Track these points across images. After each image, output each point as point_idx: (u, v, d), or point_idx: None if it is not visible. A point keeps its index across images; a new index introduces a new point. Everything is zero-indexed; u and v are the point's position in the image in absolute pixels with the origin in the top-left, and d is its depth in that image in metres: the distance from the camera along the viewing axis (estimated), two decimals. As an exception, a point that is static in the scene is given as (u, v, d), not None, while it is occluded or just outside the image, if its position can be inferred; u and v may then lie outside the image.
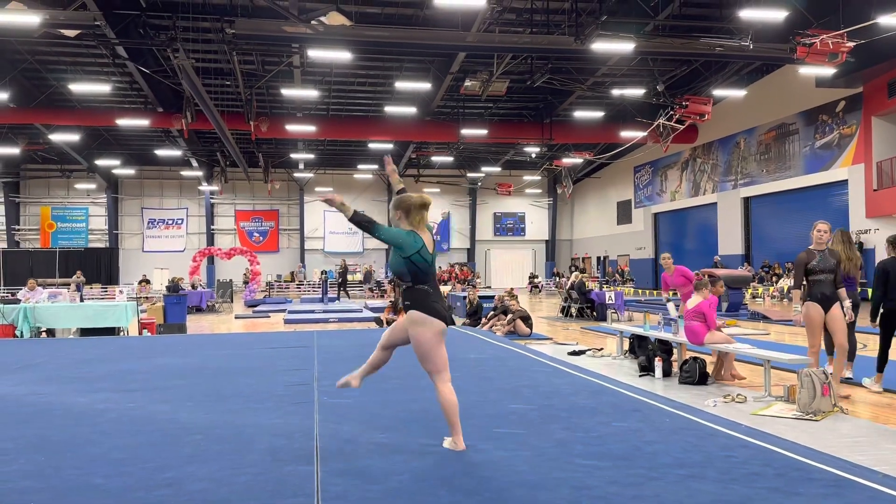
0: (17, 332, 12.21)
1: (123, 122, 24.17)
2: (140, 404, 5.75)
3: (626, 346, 9.15)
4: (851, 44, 15.57)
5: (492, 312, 13.77)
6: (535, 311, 18.34)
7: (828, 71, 18.69)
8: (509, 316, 12.86)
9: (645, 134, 24.26)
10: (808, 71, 19.49)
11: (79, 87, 21.69)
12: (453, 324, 4.16)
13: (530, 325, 12.74)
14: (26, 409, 5.61)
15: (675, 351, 8.03)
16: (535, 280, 35.24)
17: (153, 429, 4.87)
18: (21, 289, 15.31)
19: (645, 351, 8.04)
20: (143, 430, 4.84)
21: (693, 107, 21.48)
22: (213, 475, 3.76)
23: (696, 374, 7.09)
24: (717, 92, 23.19)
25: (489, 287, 36.06)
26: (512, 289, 15.86)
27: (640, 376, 7.64)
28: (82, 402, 5.84)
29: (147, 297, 20.08)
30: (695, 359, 7.26)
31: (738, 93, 23.45)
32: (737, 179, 27.39)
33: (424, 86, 22.23)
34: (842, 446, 4.63)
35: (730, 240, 27.60)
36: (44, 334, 12.72)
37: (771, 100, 24.64)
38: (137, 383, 6.87)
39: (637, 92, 23.00)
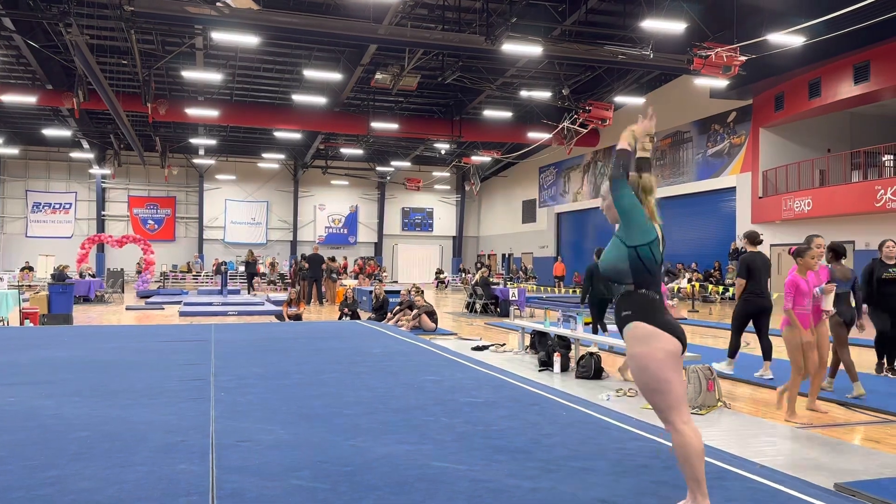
0: None
1: (8, 98, 22.51)
2: (21, 399, 5.40)
3: (528, 341, 9.39)
4: (744, 58, 16.58)
5: (398, 307, 13.78)
6: (441, 307, 18.49)
7: (721, 83, 19.82)
8: (415, 311, 12.90)
9: (550, 136, 24.93)
10: (704, 82, 20.58)
11: (-45, 57, 20.08)
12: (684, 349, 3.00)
13: (435, 321, 12.83)
14: None
15: (572, 346, 8.31)
16: (442, 276, 35.51)
17: (35, 425, 4.59)
18: None
19: (545, 346, 8.28)
20: (24, 426, 4.56)
21: (595, 112, 22.25)
22: (100, 473, 3.58)
23: (591, 369, 7.37)
24: (619, 98, 24.13)
25: (396, 282, 36.06)
26: (417, 284, 15.92)
27: (539, 371, 7.86)
28: (-47, 398, 5.41)
29: (30, 286, 18.82)
30: (591, 354, 7.54)
31: (637, 100, 24.47)
32: (635, 183, 28.59)
33: (334, 76, 21.93)
34: (724, 439, 4.93)
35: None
36: None
37: (668, 108, 25.86)
38: (18, 377, 6.45)
39: (544, 94, 23.58)
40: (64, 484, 3.41)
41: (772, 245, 20.96)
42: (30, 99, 22.82)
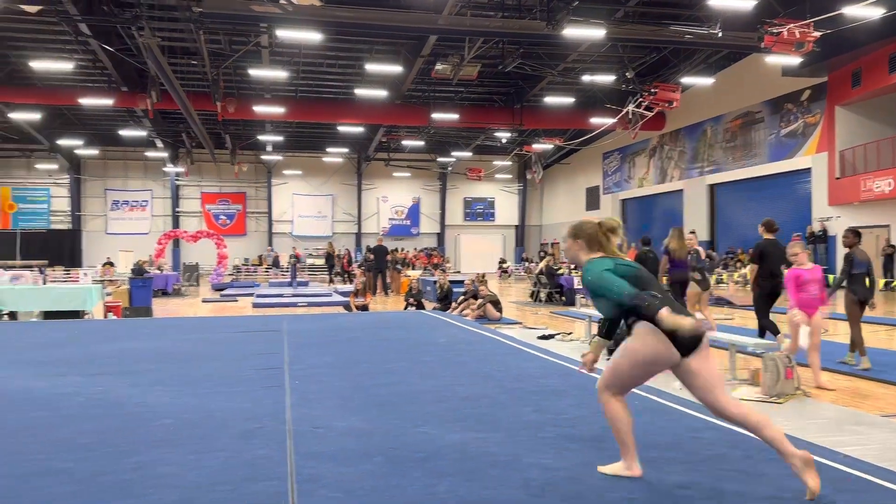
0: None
1: (86, 101, 23.56)
2: (107, 388, 5.65)
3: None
4: (818, 34, 15.82)
5: (462, 297, 13.80)
6: (505, 296, 18.43)
7: (794, 60, 18.99)
8: (479, 300, 12.90)
9: (614, 121, 24.44)
10: (775, 60, 19.77)
11: (40, 65, 21.07)
12: (696, 345, 3.17)
13: (500, 310, 12.80)
14: (-13, 394, 5.47)
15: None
16: (505, 265, 35.41)
17: (120, 413, 4.79)
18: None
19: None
20: (110, 414, 4.76)
21: (662, 94, 21.67)
22: (182, 459, 3.72)
23: (663, 358, 7.19)
24: (686, 79, 23.43)
25: (458, 272, 36.15)
26: (483, 273, 15.91)
27: (607, 360, 7.72)
28: (46, 386, 5.71)
29: (111, 280, 19.68)
30: (662, 342, 7.36)
31: (705, 81, 23.71)
32: (703, 166, 27.76)
33: (395, 68, 22.05)
34: (805, 428, 4.74)
35: (695, 226, 28.02)
36: (6, 317, 12.41)
37: (738, 88, 24.97)
38: (104, 367, 6.75)
39: (607, 78, 23.12)
40: (148, 469, 3.56)
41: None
42: (107, 101, 23.80)
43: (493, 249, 40.90)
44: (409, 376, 6.20)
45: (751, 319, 12.86)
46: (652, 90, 21.77)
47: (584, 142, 29.62)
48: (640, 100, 22.25)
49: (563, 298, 16.03)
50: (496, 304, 12.83)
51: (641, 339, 3.21)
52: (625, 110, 23.19)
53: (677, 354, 3.14)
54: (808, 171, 22.68)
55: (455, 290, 15.09)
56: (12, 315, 12.50)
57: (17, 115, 26.19)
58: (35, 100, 24.76)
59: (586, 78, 23.17)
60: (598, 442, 4.01)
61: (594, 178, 36.46)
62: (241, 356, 7.46)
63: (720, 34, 17.06)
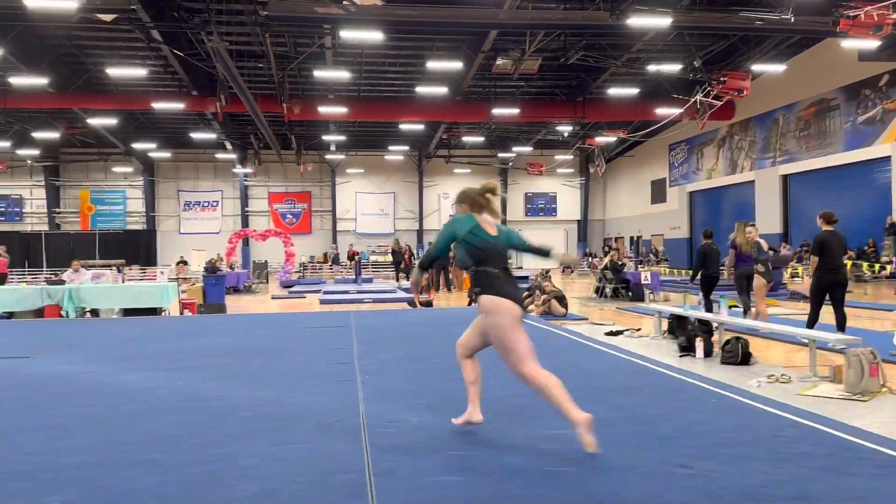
0: (63, 313, 12.53)
1: (159, 105, 24.46)
2: (187, 382, 5.87)
3: (665, 326, 9.07)
4: (897, 15, 15.04)
5: (526, 292, 13.73)
6: (568, 292, 18.22)
7: (871, 44, 18.08)
8: (544, 296, 12.81)
9: (681, 111, 23.82)
10: (851, 44, 18.89)
11: (115, 72, 21.98)
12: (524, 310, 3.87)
13: (565, 306, 12.68)
14: (77, 387, 5.77)
15: (715, 331, 7.93)
16: (568, 260, 34.95)
17: (202, 406, 4.97)
18: (63, 270, 15.69)
19: (685, 331, 7.96)
20: (193, 407, 4.95)
21: (731, 82, 20.99)
22: (264, 451, 3.83)
23: (738, 354, 7.00)
24: (756, 67, 22.62)
25: (520, 267, 35.97)
26: (546, 269, 15.80)
27: (680, 356, 7.57)
28: (131, 380, 5.98)
29: (185, 279, 20.40)
30: (737, 338, 7.16)
31: (777, 67, 22.82)
32: (775, 156, 26.79)
33: (455, 65, 22.06)
34: (892, 427, 4.54)
35: (768, 218, 27.08)
36: (88, 314, 13.03)
37: (811, 74, 23.98)
38: (183, 362, 7.01)
39: (673, 68, 22.55)
40: (232, 460, 3.68)
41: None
42: (178, 105, 24.64)
43: (555, 244, 40.45)
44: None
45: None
46: (721, 79, 21.11)
47: (650, 133, 28.97)
48: (709, 89, 21.61)
49: (630, 294, 15.75)
50: (561, 299, 12.72)
51: (494, 312, 3.73)
52: (692, 100, 22.57)
53: (520, 308, 3.75)
54: (887, 159, 21.59)
55: (519, 286, 15.00)
56: (94, 312, 13.11)
57: (94, 121, 27.39)
58: (111, 105, 25.85)
59: (651, 68, 22.66)
60: (675, 440, 3.93)
61: (660, 170, 35.65)
62: (312, 351, 7.64)
63: (792, 19, 16.40)
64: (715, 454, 3.64)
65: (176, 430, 4.31)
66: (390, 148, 36.10)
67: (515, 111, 26.31)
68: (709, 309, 9.69)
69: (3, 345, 8.48)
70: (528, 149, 35.10)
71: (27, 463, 3.67)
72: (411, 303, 14.92)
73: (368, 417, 4.54)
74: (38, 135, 29.26)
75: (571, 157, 37.33)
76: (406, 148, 36.67)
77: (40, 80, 20.85)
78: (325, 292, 18.79)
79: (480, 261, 3.81)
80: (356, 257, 28.70)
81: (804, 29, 17.50)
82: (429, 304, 14.52)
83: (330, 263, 34.74)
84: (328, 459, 3.66)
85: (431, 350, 7.65)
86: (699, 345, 7.45)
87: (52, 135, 29.66)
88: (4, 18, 17.73)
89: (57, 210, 36.90)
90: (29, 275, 28.34)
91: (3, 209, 36.49)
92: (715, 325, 7.94)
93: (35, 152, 32.95)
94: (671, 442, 3.89)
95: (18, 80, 20.87)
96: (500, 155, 37.21)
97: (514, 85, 26.64)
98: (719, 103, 21.88)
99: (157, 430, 4.32)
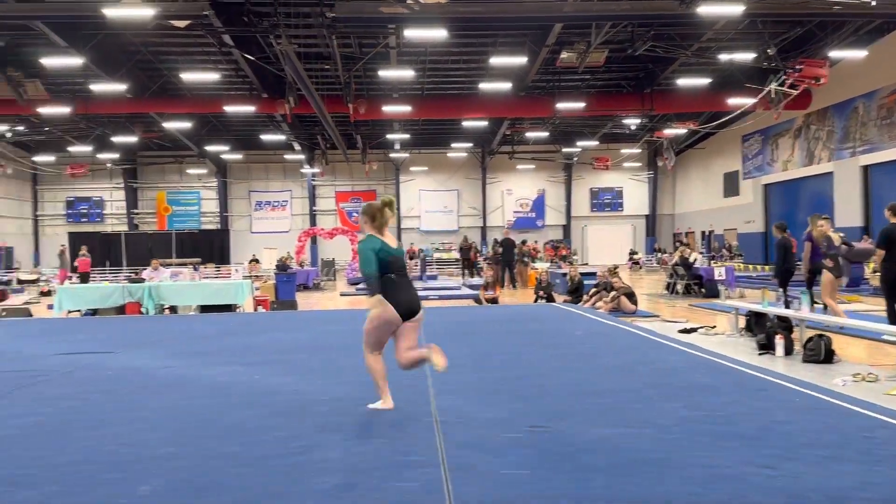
0: (143, 310, 13.08)
1: (230, 108, 25.20)
2: (265, 376, 6.04)
3: (742, 323, 8.79)
4: None
5: (594, 289, 13.55)
6: (638, 288, 17.87)
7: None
8: (613, 293, 12.61)
9: (755, 101, 22.99)
10: (941, 25, 17.84)
11: (189, 76, 22.76)
12: (412, 317, 4.65)
13: (635, 302, 12.45)
14: (160, 381, 6.01)
15: (796, 328, 7.64)
16: (636, 256, 34.37)
17: (280, 400, 5.11)
18: (142, 268, 16.37)
19: (764, 328, 7.70)
20: (271, 401, 5.09)
21: (808, 70, 20.13)
22: (341, 444, 3.91)
23: (821, 352, 6.73)
24: (834, 53, 21.60)
25: (586, 264, 35.48)
26: (615, 265, 15.55)
27: (759, 354, 7.32)
28: (209, 375, 6.19)
29: (258, 276, 21.00)
30: (820, 336, 6.88)
31: (857, 54, 21.74)
32: (855, 146, 25.56)
33: (519, 60, 21.89)
34: None
35: (847, 211, 25.88)
36: (167, 311, 13.56)
37: (893, 60, 22.77)
38: (260, 357, 7.22)
39: (746, 56, 21.77)
40: (312, 453, 3.77)
41: None
42: (249, 108, 25.34)
43: (621, 240, 39.76)
44: (546, 369, 6.17)
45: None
46: (796, 67, 20.27)
47: (721, 124, 28.07)
48: (784, 77, 20.79)
49: (703, 290, 15.33)
50: (631, 296, 12.50)
51: (379, 308, 4.56)
52: (766, 89, 21.75)
53: (399, 318, 4.56)
54: (982, 146, 20.33)
55: (586, 282, 14.83)
56: (173, 309, 13.64)
57: (169, 125, 28.45)
58: (185, 109, 26.79)
59: (723, 57, 21.94)
60: (757, 440, 3.81)
61: (732, 162, 34.51)
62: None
63: (873, 2, 15.61)
64: (801, 455, 3.51)
65: (256, 423, 4.44)
66: (453, 145, 36.16)
67: (581, 105, 25.93)
68: (787, 305, 9.36)
69: (90, 341, 8.92)
70: (593, 143, 34.55)
71: (118, 454, 3.84)
72: (477, 300, 14.93)
73: (440, 413, 4.57)
74: (117, 139, 30.60)
75: (639, 150, 36.56)
76: (469, 145, 36.67)
77: (119, 87, 21.77)
78: (392, 289, 18.98)
79: (386, 270, 4.59)
80: (421, 254, 28.90)
81: (886, 13, 16.66)
82: (494, 301, 14.49)
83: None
84: (403, 454, 3.70)
85: (498, 347, 7.65)
86: (779, 342, 7.20)
87: (130, 139, 30.98)
88: (86, 28, 18.60)
89: (135, 211, 38.55)
90: (110, 273, 29.68)
91: (85, 210, 38.40)
92: (795, 322, 7.65)
93: (114, 156, 34.48)
94: (753, 442, 3.77)
95: (99, 87, 21.85)
96: (565, 150, 36.77)
97: (580, 78, 26.25)
98: (795, 92, 21.01)
99: (237, 424, 4.45)
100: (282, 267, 18.95)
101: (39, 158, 34.38)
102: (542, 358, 6.80)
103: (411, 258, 27.77)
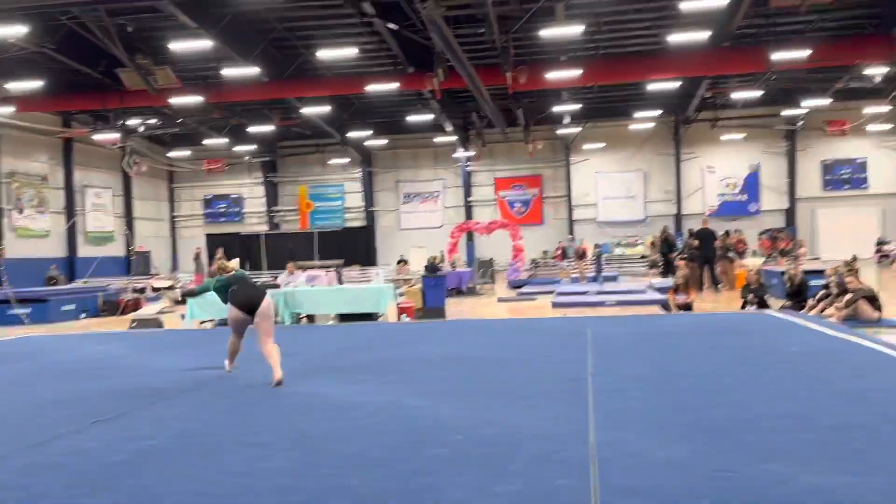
0: (279, 320, 13.92)
1: (372, 87, 26.28)
2: (398, 398, 6.21)
3: None
4: None
5: (822, 291, 12.80)
6: (886, 290, 16.44)
7: None
8: (848, 296, 11.74)
9: None
10: None
11: (326, 54, 23.99)
12: (252, 312, 7.30)
13: (878, 308, 11.52)
14: (284, 401, 6.41)
15: None
16: (885, 247, 31.78)
17: (412, 426, 5.22)
18: (280, 272, 17.49)
19: None
20: (402, 427, 5.22)
21: None
22: (474, 482, 3.92)
23: None
24: None
25: (817, 258, 33.16)
26: (852, 259, 14.43)
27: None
28: (340, 395, 6.48)
29: (406, 279, 21.72)
30: None
31: None
32: None
33: (720, 1, 20.89)
34: None
35: None
36: (304, 320, 14.37)
37: None
38: (396, 374, 7.47)
39: None
40: (439, 492, 3.80)
41: None
42: (393, 85, 26.27)
43: (866, 227, 36.79)
44: (749, 396, 5.88)
45: None
46: None
47: None
48: None
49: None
50: (873, 300, 11.58)
51: (230, 310, 7.47)
52: None
53: (248, 316, 7.32)
54: None
55: (812, 283, 13.97)
56: (310, 318, 14.43)
57: (308, 110, 30.20)
58: (324, 91, 28.32)
59: None
60: None
61: None
62: (539, 365, 7.71)
63: None
64: None
65: (381, 453, 4.56)
66: (637, 115, 35.24)
67: (805, 54, 24.26)
68: None
69: (221, 353, 9.62)
70: (824, 102, 32.20)
71: (226, 485, 4.10)
72: (665, 305, 14.51)
73: (600, 449, 4.44)
74: (254, 129, 32.97)
75: (888, 108, 33.59)
76: (657, 113, 35.55)
77: (252, 70, 23.42)
78: (560, 293, 18.86)
79: (230, 287, 7.54)
80: (596, 251, 28.45)
81: None
82: (687, 306, 14.01)
83: (567, 259, 34.90)
84: (547, 498, 3.64)
85: (687, 366, 7.36)
86: None
87: (267, 128, 33.25)
88: (215, 5, 20.18)
89: (275, 208, 41.33)
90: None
91: (223, 209, 41.76)
92: None
93: (251, 147, 37.17)
94: None
95: (231, 72, 23.63)
96: (785, 113, 34.69)
97: (802, 20, 24.64)
98: None
99: (360, 453, 4.60)
100: (431, 268, 19.46)
101: (174, 154, 37.84)
102: (743, 381, 6.51)
103: (580, 257, 27.46)
